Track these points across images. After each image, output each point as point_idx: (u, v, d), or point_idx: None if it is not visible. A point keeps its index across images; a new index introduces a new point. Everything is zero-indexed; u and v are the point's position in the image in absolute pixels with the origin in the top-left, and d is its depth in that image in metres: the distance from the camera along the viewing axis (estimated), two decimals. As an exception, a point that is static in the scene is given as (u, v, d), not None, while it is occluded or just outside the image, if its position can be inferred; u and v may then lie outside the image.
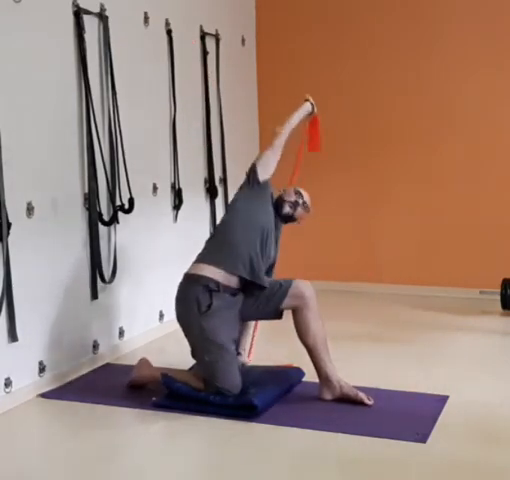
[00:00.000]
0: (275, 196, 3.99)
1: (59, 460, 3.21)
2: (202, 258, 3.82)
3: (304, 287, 3.76)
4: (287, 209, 3.94)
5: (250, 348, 4.20)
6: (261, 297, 3.80)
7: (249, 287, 3.80)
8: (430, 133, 5.97)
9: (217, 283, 3.70)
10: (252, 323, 4.14)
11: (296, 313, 3.74)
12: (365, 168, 6.18)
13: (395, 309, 5.69)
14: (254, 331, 4.22)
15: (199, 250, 3.88)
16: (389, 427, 3.41)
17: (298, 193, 3.98)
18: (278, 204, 3.95)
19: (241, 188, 3.97)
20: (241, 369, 3.80)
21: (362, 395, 3.65)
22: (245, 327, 4.12)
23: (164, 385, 3.71)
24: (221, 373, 3.62)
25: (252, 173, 3.89)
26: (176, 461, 3.17)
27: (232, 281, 3.75)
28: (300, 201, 3.97)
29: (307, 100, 4.18)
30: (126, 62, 4.52)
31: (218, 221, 4.48)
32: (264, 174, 3.87)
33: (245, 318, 3.97)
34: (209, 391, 3.63)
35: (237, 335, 3.84)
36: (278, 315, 3.85)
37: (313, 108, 4.19)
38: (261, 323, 4.19)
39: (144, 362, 3.98)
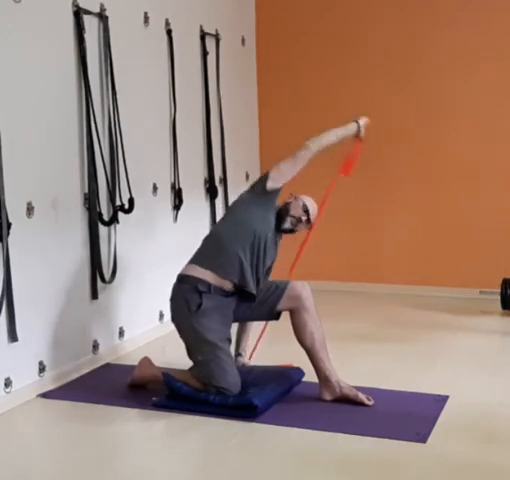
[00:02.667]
0: (282, 201, 3.88)
1: (59, 460, 3.21)
2: (194, 259, 3.82)
3: (300, 288, 3.75)
4: (288, 225, 3.83)
5: (254, 349, 4.18)
6: (257, 299, 3.79)
7: (243, 291, 3.77)
8: (430, 133, 5.97)
9: (208, 284, 3.69)
10: (252, 324, 4.13)
11: (293, 314, 3.73)
12: (365, 168, 6.15)
13: (395, 309, 5.69)
14: (262, 332, 4.20)
15: (199, 250, 3.88)
16: (389, 427, 3.41)
17: (306, 211, 3.84)
18: (281, 216, 3.82)
19: (248, 190, 3.88)
20: (241, 369, 3.81)
21: (362, 396, 3.65)
22: (245, 328, 4.12)
23: (165, 384, 3.71)
24: (217, 372, 3.62)
25: (263, 179, 3.78)
26: (176, 461, 3.17)
27: (225, 284, 3.73)
28: (304, 218, 3.85)
29: (356, 121, 3.92)
30: (126, 62, 4.52)
31: (218, 221, 4.46)
32: (274, 183, 3.73)
33: (242, 319, 3.97)
34: (209, 391, 3.63)
35: (230, 334, 3.81)
36: (274, 316, 3.85)
37: (359, 130, 3.92)
38: (260, 323, 4.19)
39: (146, 361, 3.97)
